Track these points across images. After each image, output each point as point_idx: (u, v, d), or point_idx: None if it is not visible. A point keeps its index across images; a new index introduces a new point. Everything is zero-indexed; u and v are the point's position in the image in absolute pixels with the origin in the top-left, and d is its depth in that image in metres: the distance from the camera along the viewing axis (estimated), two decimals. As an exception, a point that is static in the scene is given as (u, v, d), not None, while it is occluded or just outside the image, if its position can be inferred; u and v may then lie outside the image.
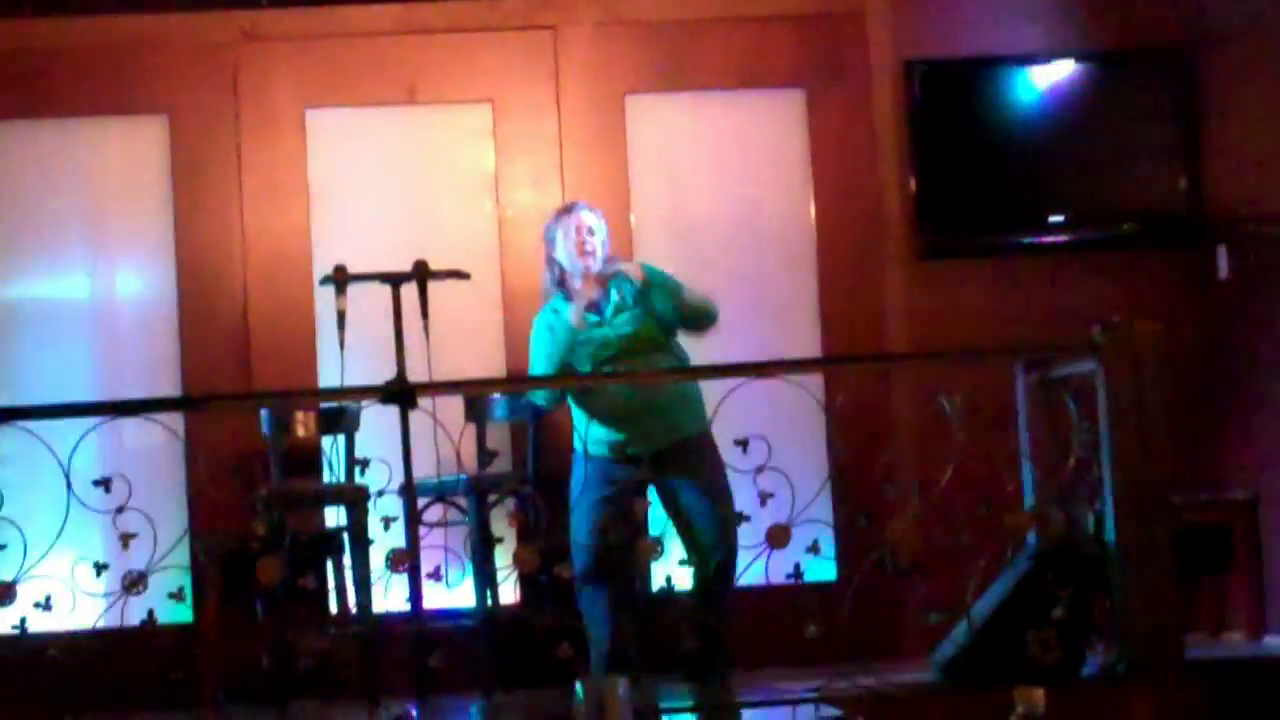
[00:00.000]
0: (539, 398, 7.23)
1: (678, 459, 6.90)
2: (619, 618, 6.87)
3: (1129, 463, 6.17)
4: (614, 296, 7.03)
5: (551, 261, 7.13)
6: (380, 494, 6.41)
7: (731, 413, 6.42)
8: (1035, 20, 8.39)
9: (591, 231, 7.06)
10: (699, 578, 6.89)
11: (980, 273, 8.23)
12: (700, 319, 7.10)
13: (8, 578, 5.96)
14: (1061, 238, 8.29)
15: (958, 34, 8.36)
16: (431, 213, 8.18)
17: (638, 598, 7.04)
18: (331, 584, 7.39)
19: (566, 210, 7.19)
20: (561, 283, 7.09)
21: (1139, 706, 6.05)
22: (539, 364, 7.09)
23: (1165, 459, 6.25)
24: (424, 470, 6.60)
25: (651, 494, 7.00)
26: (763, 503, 6.13)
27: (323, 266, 7.06)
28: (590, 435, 6.93)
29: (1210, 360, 8.12)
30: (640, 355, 6.97)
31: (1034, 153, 8.30)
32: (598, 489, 6.87)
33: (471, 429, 7.41)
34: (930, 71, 8.27)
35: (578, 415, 7.02)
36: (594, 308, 7.01)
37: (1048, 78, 8.31)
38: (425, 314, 6.44)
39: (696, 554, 6.88)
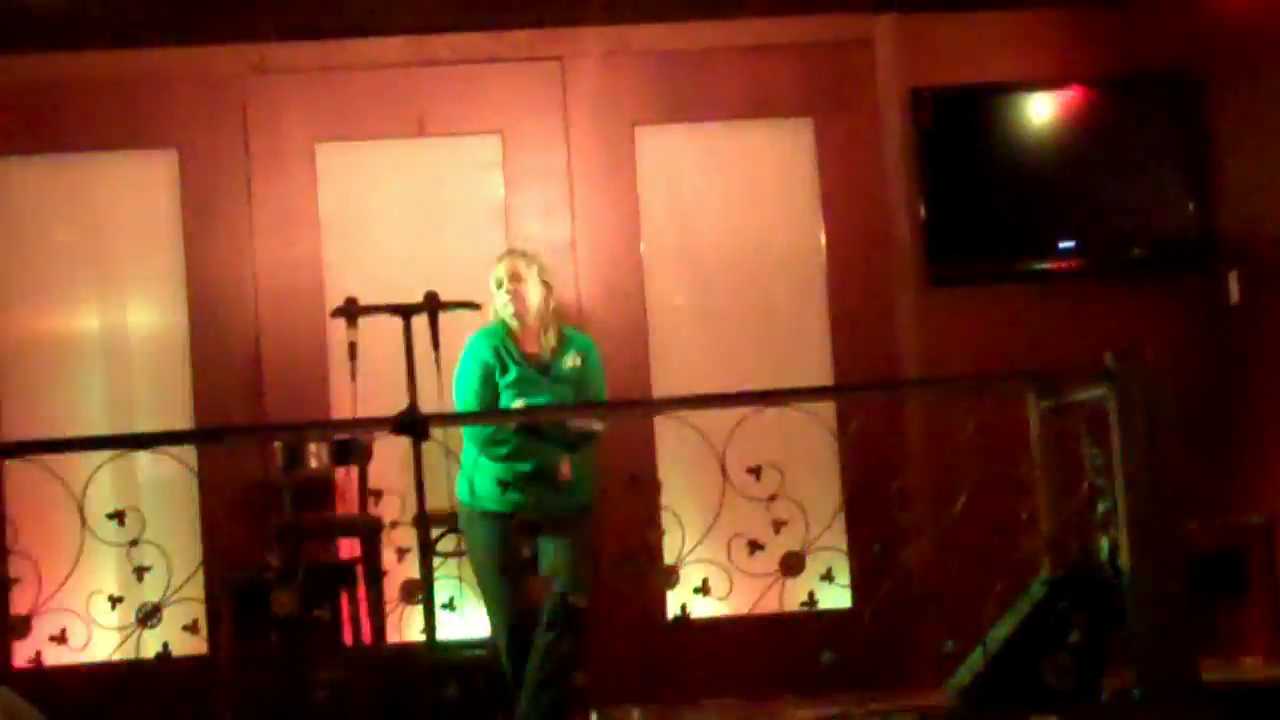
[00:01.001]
0: (478, 439, 7.16)
1: (557, 524, 6.91)
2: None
3: (1142, 489, 6.15)
4: (559, 367, 7.03)
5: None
6: (394, 525, 6.40)
7: (743, 441, 6.40)
8: (1044, 47, 8.40)
9: (516, 278, 7.04)
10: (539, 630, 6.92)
11: (991, 299, 8.23)
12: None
13: (23, 611, 5.95)
14: (1072, 263, 8.29)
15: (966, 61, 8.37)
16: (442, 244, 8.18)
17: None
18: (346, 615, 7.38)
19: (500, 256, 7.18)
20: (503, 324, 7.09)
21: (1155, 732, 6.03)
22: (468, 397, 7.07)
23: (1178, 484, 6.23)
24: (437, 501, 6.59)
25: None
26: (776, 530, 6.11)
27: (334, 298, 7.06)
28: (485, 491, 6.93)
29: (1222, 384, 8.12)
30: (541, 436, 6.96)
31: (1044, 179, 8.31)
32: (499, 553, 6.87)
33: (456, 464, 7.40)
34: (939, 99, 8.29)
35: (480, 468, 7.01)
36: (534, 361, 7.02)
37: (1057, 104, 8.33)
38: (436, 345, 6.42)
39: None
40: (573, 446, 6.96)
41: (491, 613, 6.91)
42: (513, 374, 6.98)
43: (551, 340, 7.04)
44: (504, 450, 6.90)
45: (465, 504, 6.96)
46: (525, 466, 6.90)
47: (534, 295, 7.04)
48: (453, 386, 7.03)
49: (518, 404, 6.90)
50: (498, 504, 6.91)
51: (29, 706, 2.80)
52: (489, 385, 6.99)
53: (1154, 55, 8.36)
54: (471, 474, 6.95)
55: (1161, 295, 8.25)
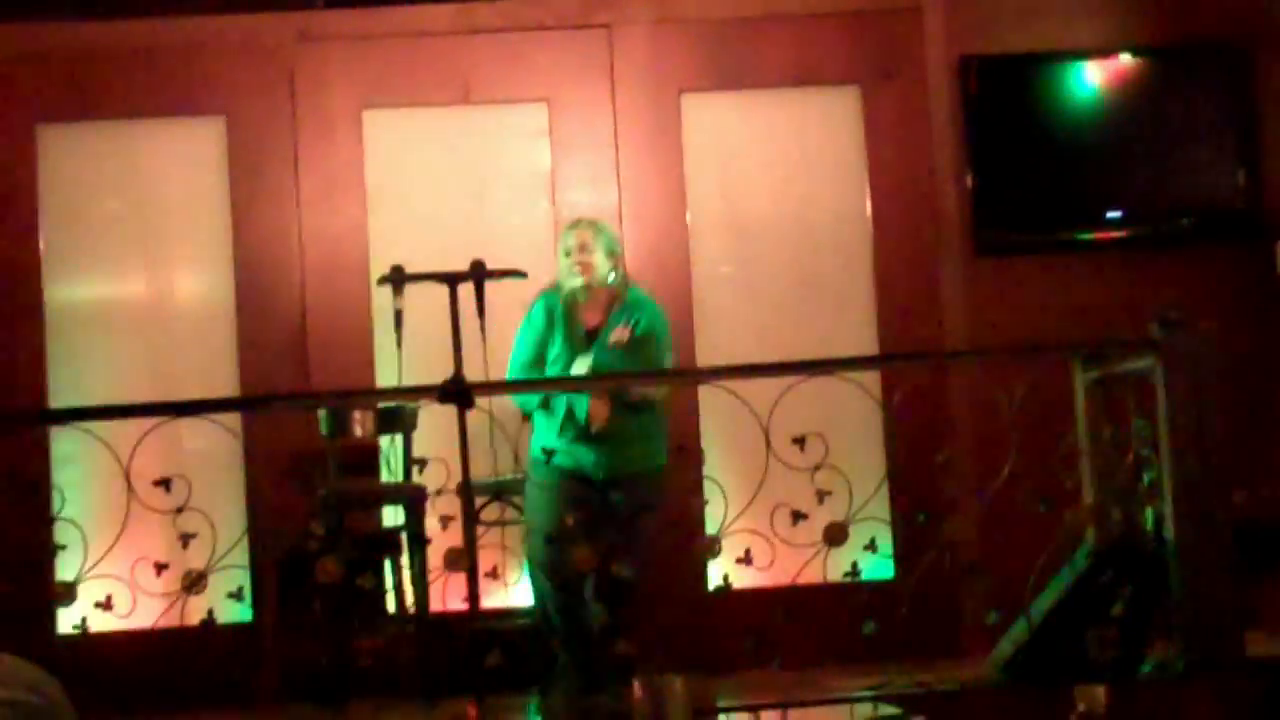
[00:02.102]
0: (523, 402, 7.19)
1: (627, 487, 6.90)
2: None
3: (1188, 460, 6.14)
4: (612, 334, 7.01)
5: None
6: (438, 493, 6.42)
7: (788, 410, 6.39)
8: (1092, 15, 8.36)
9: (584, 249, 7.04)
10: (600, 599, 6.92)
11: (1037, 268, 8.21)
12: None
13: (69, 578, 5.99)
14: (1119, 233, 8.27)
15: (1013, 29, 8.33)
16: (488, 212, 8.19)
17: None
18: (389, 583, 7.41)
19: (569, 226, 7.18)
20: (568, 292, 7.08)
21: (1199, 704, 6.02)
22: (519, 363, 7.09)
23: (1224, 456, 6.21)
24: (482, 470, 6.61)
25: None
26: (820, 500, 6.12)
27: (380, 266, 7.09)
28: (556, 446, 6.93)
29: (1269, 355, 8.08)
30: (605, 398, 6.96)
31: (1091, 148, 8.27)
32: (558, 510, 6.85)
33: (528, 428, 7.43)
34: (986, 67, 8.25)
35: (544, 424, 7.02)
36: (588, 332, 7.01)
37: (1105, 73, 8.29)
38: (482, 313, 6.45)
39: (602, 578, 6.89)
40: (633, 410, 6.95)
41: (535, 576, 6.91)
42: (558, 344, 6.98)
43: (614, 308, 7.03)
44: (556, 415, 6.91)
45: (532, 458, 6.97)
46: (575, 429, 6.89)
47: (602, 265, 7.03)
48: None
49: (580, 367, 6.91)
50: (559, 460, 6.89)
51: (41, 671, 2.81)
52: (538, 350, 7.00)
53: (1202, 24, 8.32)
54: (535, 432, 6.97)
55: (1208, 265, 8.21)
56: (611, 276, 7.06)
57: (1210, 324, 6.25)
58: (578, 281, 7.00)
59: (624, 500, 6.91)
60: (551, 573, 6.81)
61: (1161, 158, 8.26)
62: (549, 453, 6.88)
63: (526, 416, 7.24)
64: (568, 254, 7.05)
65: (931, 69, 8.35)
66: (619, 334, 7.02)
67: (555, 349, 7.01)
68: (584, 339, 7.01)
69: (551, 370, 6.99)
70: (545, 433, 6.98)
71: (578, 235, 7.07)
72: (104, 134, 8.18)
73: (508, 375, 7.09)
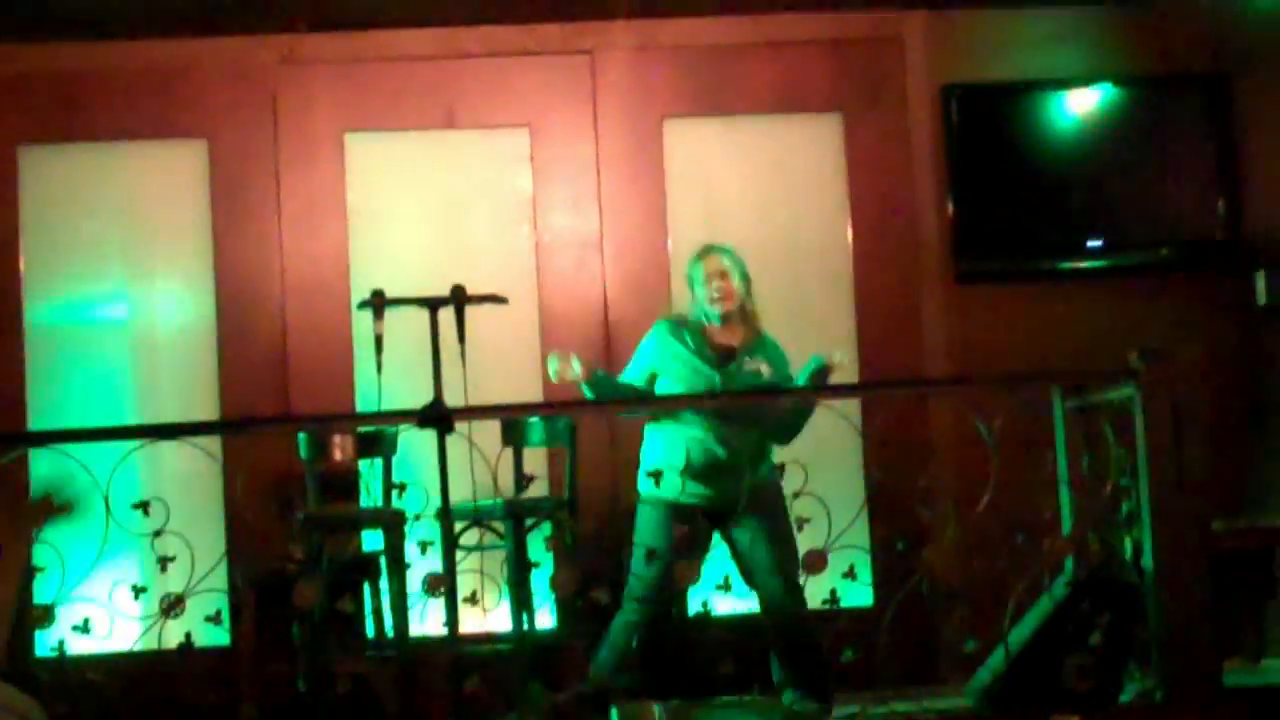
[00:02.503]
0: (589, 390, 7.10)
1: (741, 504, 6.83)
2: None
3: (1166, 489, 6.15)
4: (749, 361, 6.99)
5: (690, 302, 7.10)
6: (417, 518, 6.42)
7: (768, 438, 6.41)
8: (1072, 45, 8.38)
9: (724, 275, 7.00)
10: (767, 610, 6.83)
11: (1017, 297, 8.23)
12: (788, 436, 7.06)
13: (47, 601, 5.97)
14: (1099, 262, 8.28)
15: (994, 59, 8.36)
16: (469, 237, 8.20)
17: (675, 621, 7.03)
18: (368, 608, 7.40)
19: (701, 254, 7.12)
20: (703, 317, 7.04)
21: (1177, 733, 6.03)
22: (633, 369, 7.05)
23: (1203, 485, 6.23)
24: (461, 494, 6.60)
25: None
26: (799, 528, 6.13)
27: (361, 290, 7.08)
28: (668, 479, 6.86)
29: (1249, 384, 8.10)
30: (735, 422, 6.91)
31: (1071, 177, 8.29)
32: (665, 529, 6.81)
33: (509, 453, 7.42)
34: (967, 96, 8.28)
35: (657, 452, 6.98)
36: (725, 352, 6.97)
37: (1085, 103, 8.31)
38: (462, 338, 6.42)
39: (760, 591, 6.82)
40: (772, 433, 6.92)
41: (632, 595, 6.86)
42: (685, 364, 6.91)
43: (750, 335, 7.00)
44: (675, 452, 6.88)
45: (643, 493, 6.93)
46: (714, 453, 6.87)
47: (740, 290, 6.99)
48: None
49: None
50: (676, 493, 6.82)
51: (20, 692, 2.82)
52: (647, 373, 6.97)
53: (1183, 55, 8.35)
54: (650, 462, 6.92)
55: (1189, 295, 8.23)
56: (747, 302, 7.02)
57: (1189, 354, 6.27)
58: (719, 309, 6.94)
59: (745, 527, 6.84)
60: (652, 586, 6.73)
61: (1141, 187, 8.28)
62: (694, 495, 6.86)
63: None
64: (705, 281, 6.98)
65: (913, 97, 8.38)
66: (757, 364, 6.95)
67: (674, 373, 6.92)
68: (719, 359, 6.94)
69: (673, 387, 6.92)
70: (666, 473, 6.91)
71: (714, 262, 7.02)
72: (86, 156, 8.18)
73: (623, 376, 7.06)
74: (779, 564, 6.70)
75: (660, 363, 6.94)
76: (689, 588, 6.46)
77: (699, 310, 6.99)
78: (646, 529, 6.80)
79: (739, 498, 6.58)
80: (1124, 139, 8.30)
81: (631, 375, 7.00)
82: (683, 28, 8.36)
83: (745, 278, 7.00)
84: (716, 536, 6.87)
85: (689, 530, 6.58)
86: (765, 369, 6.95)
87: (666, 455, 6.83)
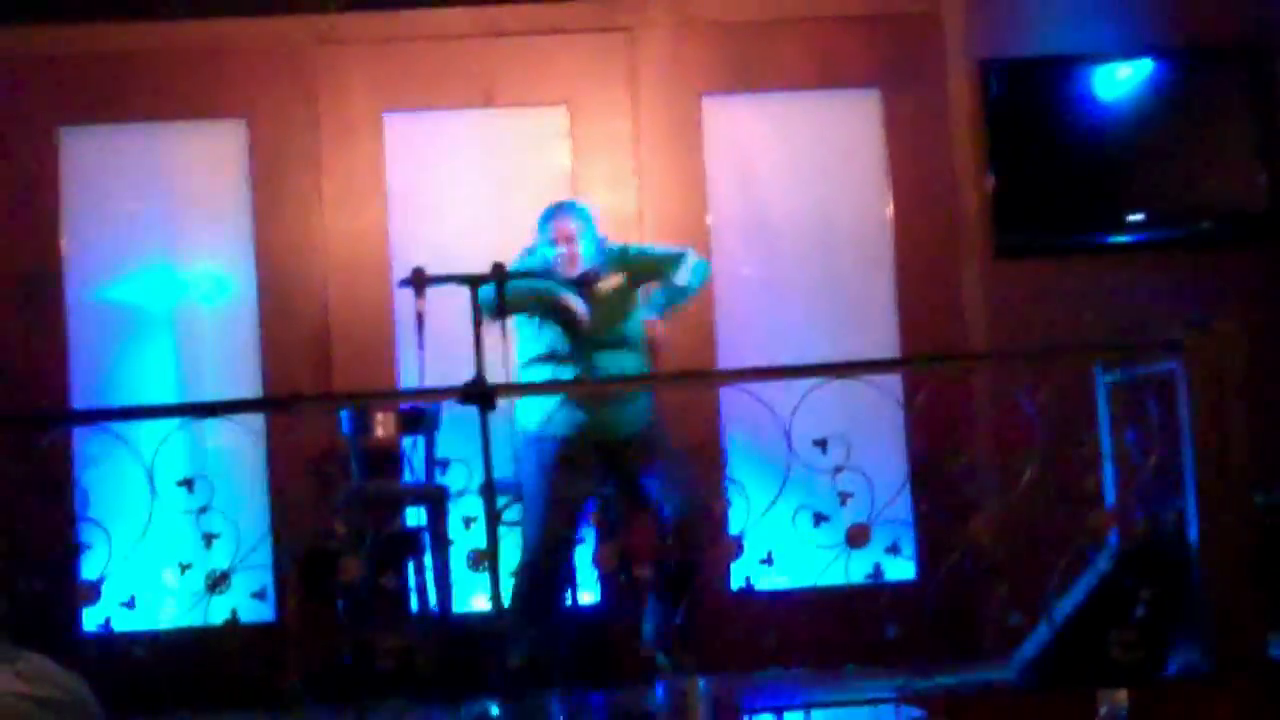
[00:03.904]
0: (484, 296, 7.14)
1: (637, 449, 6.89)
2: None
3: (1210, 462, 6.13)
4: (605, 282, 7.05)
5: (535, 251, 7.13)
6: (460, 494, 6.43)
7: (810, 413, 6.39)
8: (1112, 18, 8.35)
9: (572, 239, 7.06)
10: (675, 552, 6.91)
11: (1058, 271, 8.21)
12: (681, 296, 7.12)
13: (93, 577, 6.00)
14: (1140, 236, 8.26)
15: (1034, 33, 8.34)
16: (509, 214, 8.18)
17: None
18: (412, 584, 7.42)
19: (546, 215, 7.17)
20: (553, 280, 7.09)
21: (1222, 706, 6.00)
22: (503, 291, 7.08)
23: (1247, 458, 6.21)
24: (503, 470, 6.62)
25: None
26: (842, 503, 6.12)
27: (401, 268, 7.08)
28: (552, 414, 6.92)
29: (1292, 358, 8.07)
30: (604, 348, 6.97)
31: (1112, 151, 8.27)
32: (551, 486, 6.88)
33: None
34: (1006, 70, 8.26)
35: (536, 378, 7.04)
36: (577, 285, 7.02)
37: (1125, 76, 8.28)
38: (504, 315, 6.44)
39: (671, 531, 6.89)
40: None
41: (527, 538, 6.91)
42: (553, 334, 6.98)
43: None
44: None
45: (527, 432, 6.99)
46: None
47: (587, 252, 7.05)
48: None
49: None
50: (559, 427, 6.91)
51: (67, 670, 2.84)
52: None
53: (1223, 26, 8.31)
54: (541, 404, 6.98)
55: (1230, 268, 8.20)
56: (592, 260, 7.07)
57: (1233, 325, 6.25)
58: (564, 272, 7.01)
59: (638, 455, 6.90)
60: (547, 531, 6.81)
61: (1183, 160, 8.25)
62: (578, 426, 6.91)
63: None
64: (551, 244, 7.05)
65: (951, 72, 8.36)
66: (612, 281, 7.02)
67: (549, 337, 6.99)
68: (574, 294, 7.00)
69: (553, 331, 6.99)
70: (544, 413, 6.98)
71: (558, 226, 7.08)
72: (126, 136, 8.20)
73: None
74: (685, 500, 6.76)
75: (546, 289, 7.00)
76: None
77: (551, 269, 7.04)
78: (528, 465, 6.90)
79: (623, 426, 6.67)
80: (1164, 112, 8.27)
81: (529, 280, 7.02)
82: (720, 4, 8.35)
83: (592, 234, 7.05)
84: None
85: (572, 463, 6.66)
86: (616, 279, 7.00)
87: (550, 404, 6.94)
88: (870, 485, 6.07)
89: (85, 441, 7.47)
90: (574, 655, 7.09)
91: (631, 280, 7.08)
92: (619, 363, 6.94)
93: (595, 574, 7.21)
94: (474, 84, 8.27)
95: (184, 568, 6.11)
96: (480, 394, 6.05)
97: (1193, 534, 6.13)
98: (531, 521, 6.89)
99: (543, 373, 6.95)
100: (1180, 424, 6.22)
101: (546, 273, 6.98)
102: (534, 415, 6.96)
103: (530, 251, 7.12)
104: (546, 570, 6.88)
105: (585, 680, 6.99)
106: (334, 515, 6.86)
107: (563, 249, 7.02)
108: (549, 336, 7.00)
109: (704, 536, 6.77)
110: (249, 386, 7.97)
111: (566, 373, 6.94)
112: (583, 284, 7.02)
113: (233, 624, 6.08)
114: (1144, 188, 8.30)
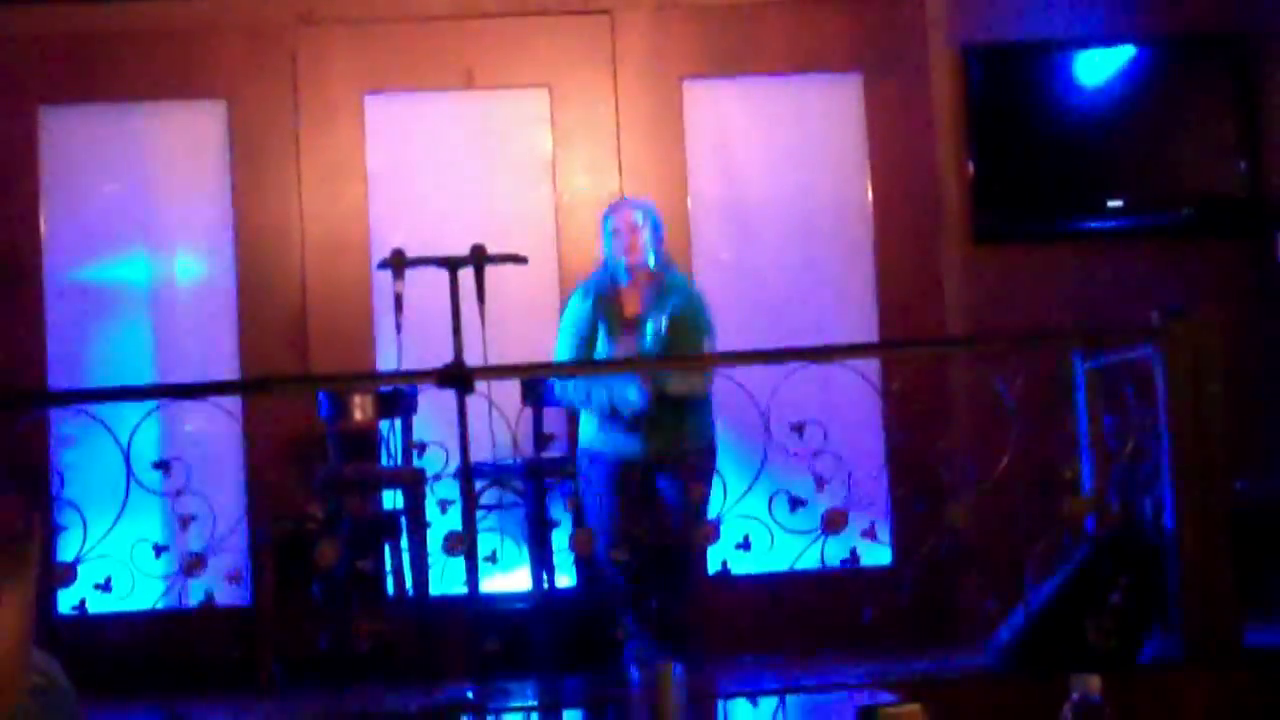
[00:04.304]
0: (562, 392, 7.20)
1: (674, 465, 6.91)
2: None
3: (1187, 449, 6.15)
4: (651, 325, 7.02)
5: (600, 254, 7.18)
6: (437, 477, 6.43)
7: (787, 397, 6.41)
8: (1094, 4, 8.35)
9: (634, 229, 7.05)
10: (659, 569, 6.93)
11: (1038, 257, 8.21)
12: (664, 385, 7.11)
13: (69, 559, 5.99)
14: (1120, 222, 8.26)
15: (1015, 18, 8.33)
16: (489, 197, 8.19)
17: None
18: (388, 567, 7.41)
19: (614, 207, 7.19)
20: (611, 276, 7.10)
21: (1197, 693, 6.03)
22: (566, 347, 7.12)
23: (1224, 445, 6.22)
24: (481, 454, 6.62)
25: None
26: (819, 487, 6.13)
27: (380, 250, 7.09)
28: (597, 438, 6.98)
29: (1269, 345, 8.08)
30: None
31: (1092, 137, 8.27)
32: (608, 482, 6.90)
33: (528, 412, 7.43)
34: (988, 56, 8.25)
35: (586, 416, 7.05)
36: (629, 322, 7.02)
37: (1106, 62, 8.28)
38: (482, 298, 6.44)
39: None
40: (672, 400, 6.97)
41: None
42: (603, 332, 7.00)
43: (654, 296, 7.04)
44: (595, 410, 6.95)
45: (583, 450, 7.04)
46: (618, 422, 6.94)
47: (648, 247, 7.04)
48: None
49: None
50: (605, 448, 6.94)
51: (41, 651, 2.83)
52: (588, 332, 7.03)
53: (1204, 13, 8.31)
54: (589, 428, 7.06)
55: (1209, 254, 8.21)
56: (654, 260, 7.06)
57: (1210, 313, 6.26)
58: (625, 261, 7.00)
59: (671, 481, 6.91)
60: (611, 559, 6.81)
61: (1162, 147, 8.25)
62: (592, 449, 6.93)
63: (573, 411, 7.27)
64: (613, 236, 7.05)
65: (933, 57, 8.35)
66: (659, 323, 7.01)
67: (602, 336, 7.02)
68: (626, 327, 7.00)
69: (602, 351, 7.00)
70: (589, 429, 7.01)
71: (624, 215, 7.07)
72: (106, 116, 8.18)
73: (555, 358, 7.13)
74: (684, 527, 6.77)
75: (586, 328, 6.98)
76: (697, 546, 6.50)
77: (609, 264, 7.01)
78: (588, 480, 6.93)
79: (669, 449, 6.67)
80: (1145, 98, 8.27)
81: (569, 349, 7.05)
82: (702, -13, 8.34)
83: (657, 232, 7.04)
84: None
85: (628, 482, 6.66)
86: (661, 324, 6.99)
87: (600, 411, 6.95)
88: (847, 470, 6.08)
89: (62, 423, 7.45)
90: (550, 640, 7.10)
91: (672, 326, 7.03)
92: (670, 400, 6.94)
93: (570, 559, 7.20)
94: (455, 66, 8.25)
95: (160, 550, 6.11)
96: (458, 377, 6.05)
97: (1169, 521, 6.15)
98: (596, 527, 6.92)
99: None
100: (1158, 411, 6.23)
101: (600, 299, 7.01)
102: (589, 434, 7.03)
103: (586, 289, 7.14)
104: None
105: (560, 664, 6.99)
106: (311, 498, 6.85)
107: (625, 237, 7.00)
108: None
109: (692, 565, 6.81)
110: (227, 368, 7.95)
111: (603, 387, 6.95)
112: (635, 326, 7.02)
113: (208, 607, 6.08)
114: (1124, 174, 8.30)
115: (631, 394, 6.87)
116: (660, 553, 6.81)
